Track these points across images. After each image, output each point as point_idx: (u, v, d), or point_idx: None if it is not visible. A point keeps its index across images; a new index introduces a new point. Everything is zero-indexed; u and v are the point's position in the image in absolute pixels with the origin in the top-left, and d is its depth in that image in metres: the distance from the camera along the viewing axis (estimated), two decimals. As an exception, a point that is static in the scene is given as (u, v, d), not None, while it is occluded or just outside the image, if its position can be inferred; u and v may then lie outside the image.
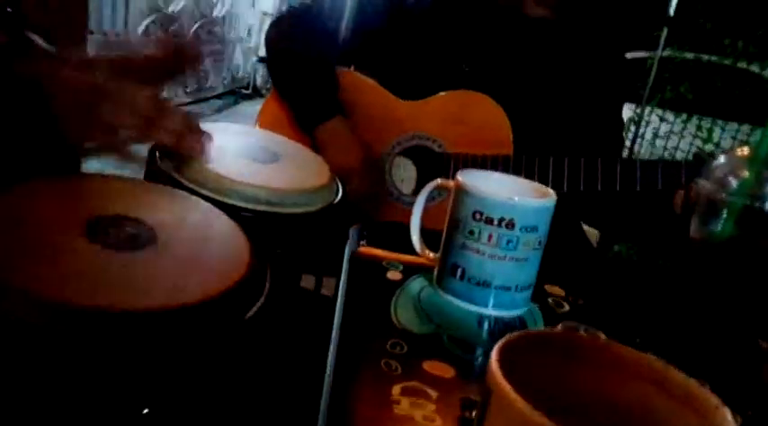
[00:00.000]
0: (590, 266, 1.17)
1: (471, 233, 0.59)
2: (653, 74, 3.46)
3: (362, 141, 1.11)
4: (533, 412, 0.26)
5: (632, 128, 3.58)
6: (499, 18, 1.15)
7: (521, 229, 0.58)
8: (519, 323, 0.61)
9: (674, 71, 3.61)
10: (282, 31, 1.22)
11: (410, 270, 0.68)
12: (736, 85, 3.36)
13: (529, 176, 1.07)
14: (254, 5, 5.87)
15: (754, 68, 3.54)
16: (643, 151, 3.64)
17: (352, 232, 0.80)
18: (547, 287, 0.71)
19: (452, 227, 0.61)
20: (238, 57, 5.68)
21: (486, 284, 0.59)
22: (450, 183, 0.62)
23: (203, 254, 0.52)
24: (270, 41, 1.22)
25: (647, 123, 3.67)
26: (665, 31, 3.39)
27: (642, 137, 3.66)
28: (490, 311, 0.60)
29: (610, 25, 1.23)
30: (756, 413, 0.50)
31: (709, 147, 3.53)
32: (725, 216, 0.67)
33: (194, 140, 0.66)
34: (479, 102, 1.11)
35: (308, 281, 0.81)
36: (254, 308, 0.49)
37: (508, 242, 0.58)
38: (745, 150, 0.70)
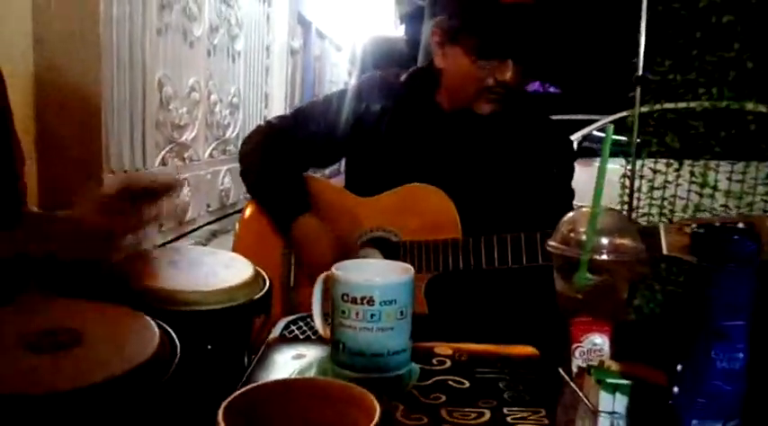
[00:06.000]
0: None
1: (343, 312, 0.72)
2: (635, 130, 3.59)
3: (333, 233, 1.26)
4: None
5: (627, 183, 3.67)
6: (448, 119, 1.31)
7: (380, 303, 0.71)
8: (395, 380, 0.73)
9: (657, 124, 3.73)
10: (254, 145, 1.42)
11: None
12: (720, 126, 3.46)
13: (476, 255, 1.18)
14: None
15: (734, 106, 3.64)
16: (642, 204, 3.70)
17: (280, 323, 0.94)
18: (437, 348, 0.83)
19: (333, 310, 0.74)
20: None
21: (361, 353, 0.72)
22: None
23: (117, 347, 0.66)
24: (243, 155, 1.43)
25: (641, 177, 3.75)
26: (638, 89, 3.56)
27: (639, 190, 3.73)
28: (368, 375, 0.71)
29: (551, 110, 1.37)
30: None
31: (707, 191, 3.58)
32: (576, 271, 0.78)
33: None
34: (428, 193, 1.26)
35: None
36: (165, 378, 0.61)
37: (372, 316, 0.71)
38: (585, 209, 0.81)
